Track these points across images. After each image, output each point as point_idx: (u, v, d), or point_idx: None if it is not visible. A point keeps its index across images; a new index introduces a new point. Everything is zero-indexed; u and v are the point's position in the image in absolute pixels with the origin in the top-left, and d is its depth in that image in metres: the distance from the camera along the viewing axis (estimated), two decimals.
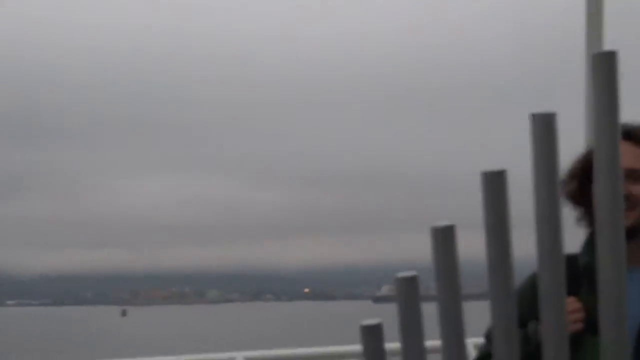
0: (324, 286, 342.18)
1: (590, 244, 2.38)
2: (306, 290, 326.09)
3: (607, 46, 5.59)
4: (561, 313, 1.71)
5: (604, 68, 1.71)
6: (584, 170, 2.39)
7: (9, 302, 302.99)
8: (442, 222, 1.92)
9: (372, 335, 1.99)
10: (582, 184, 2.43)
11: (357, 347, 2.31)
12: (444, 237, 1.81)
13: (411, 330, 1.93)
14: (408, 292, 1.90)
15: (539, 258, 1.77)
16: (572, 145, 2.15)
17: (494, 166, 1.79)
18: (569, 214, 2.48)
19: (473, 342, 4.38)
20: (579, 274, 2.37)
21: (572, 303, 2.26)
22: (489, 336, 2.42)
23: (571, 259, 2.29)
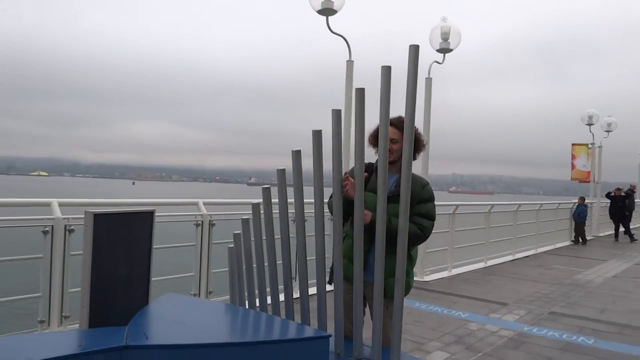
0: (227, 177, 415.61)
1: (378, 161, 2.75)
2: (217, 177, 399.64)
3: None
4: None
5: (360, 95, 2.52)
6: (376, 134, 2.72)
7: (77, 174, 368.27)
8: (295, 148, 2.68)
9: (267, 192, 2.77)
10: (376, 139, 2.74)
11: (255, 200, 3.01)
12: (296, 157, 2.60)
13: (282, 195, 2.70)
14: (281, 178, 2.70)
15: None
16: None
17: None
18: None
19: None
20: (372, 170, 2.84)
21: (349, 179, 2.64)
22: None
23: (371, 164, 2.85)
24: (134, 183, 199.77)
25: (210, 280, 5.22)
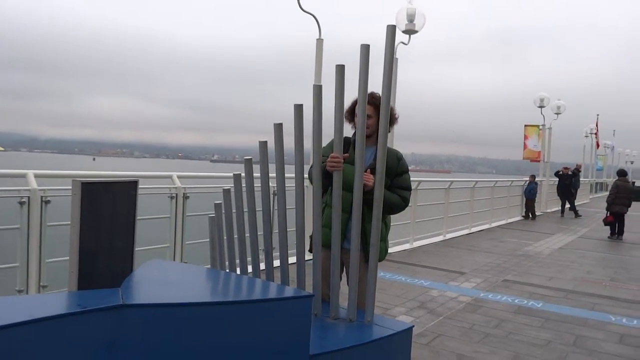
0: (190, 154, 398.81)
1: (354, 135, 2.95)
2: (180, 154, 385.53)
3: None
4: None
5: (340, 72, 2.59)
6: (352, 110, 2.96)
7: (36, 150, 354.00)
8: (277, 121, 2.73)
9: (249, 163, 2.82)
10: (352, 115, 2.98)
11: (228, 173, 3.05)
12: (278, 130, 2.66)
13: (264, 167, 2.76)
14: (263, 150, 2.74)
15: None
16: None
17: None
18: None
19: None
20: (349, 144, 2.93)
21: (335, 157, 2.65)
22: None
23: (348, 138, 2.93)
24: (94, 159, 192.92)
25: (185, 251, 5.25)
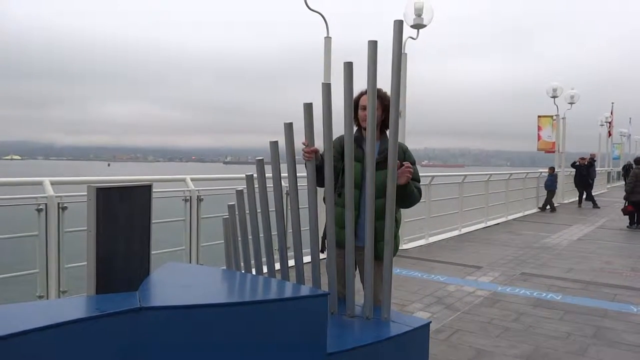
0: (203, 156, 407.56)
1: (357, 131, 2.96)
2: (193, 157, 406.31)
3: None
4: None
5: (348, 69, 2.58)
6: (355, 104, 2.93)
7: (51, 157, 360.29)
8: (288, 121, 2.72)
9: (260, 163, 2.83)
10: (355, 111, 2.94)
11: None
12: (289, 129, 2.66)
13: (275, 166, 2.76)
14: (274, 150, 2.74)
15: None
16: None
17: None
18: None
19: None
20: (358, 141, 2.93)
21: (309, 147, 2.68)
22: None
23: (357, 136, 2.94)
24: (109, 164, 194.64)
25: (200, 253, 5.28)
